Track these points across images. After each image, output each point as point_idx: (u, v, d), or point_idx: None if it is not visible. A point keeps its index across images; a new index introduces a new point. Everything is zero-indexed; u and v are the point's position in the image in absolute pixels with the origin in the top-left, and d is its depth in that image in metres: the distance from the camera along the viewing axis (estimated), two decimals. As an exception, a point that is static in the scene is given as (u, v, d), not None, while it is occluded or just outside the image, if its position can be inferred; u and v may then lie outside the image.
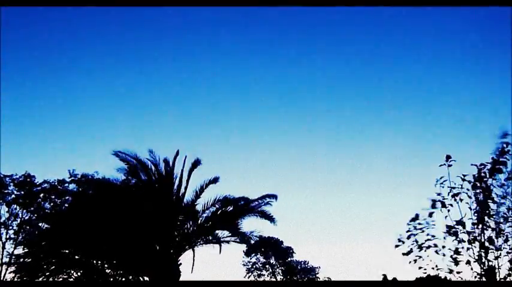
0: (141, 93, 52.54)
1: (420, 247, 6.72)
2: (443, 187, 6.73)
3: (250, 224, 19.33)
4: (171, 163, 18.24)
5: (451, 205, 6.68)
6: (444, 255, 6.61)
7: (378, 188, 56.93)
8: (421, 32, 47.55)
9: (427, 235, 6.75)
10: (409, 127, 53.29)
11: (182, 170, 18.23)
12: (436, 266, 6.59)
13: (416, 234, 6.76)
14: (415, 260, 6.69)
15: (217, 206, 18.38)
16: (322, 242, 57.23)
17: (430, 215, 6.77)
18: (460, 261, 6.48)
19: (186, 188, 18.26)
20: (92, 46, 49.00)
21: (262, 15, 46.09)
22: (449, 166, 6.73)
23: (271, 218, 18.76)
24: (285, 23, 47.83)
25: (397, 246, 6.87)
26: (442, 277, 6.80)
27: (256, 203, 18.77)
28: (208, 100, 53.73)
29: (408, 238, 6.81)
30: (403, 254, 6.78)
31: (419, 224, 6.78)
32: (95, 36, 49.37)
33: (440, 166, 6.77)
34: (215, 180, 18.38)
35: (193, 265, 17.78)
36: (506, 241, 6.38)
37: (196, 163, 18.24)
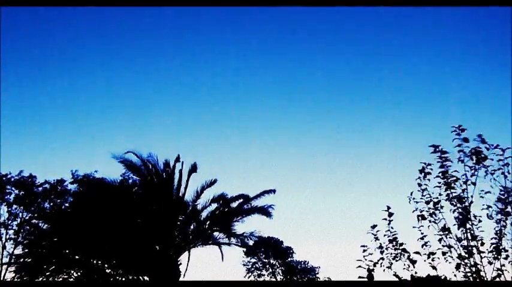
0: (141, 93, 52.60)
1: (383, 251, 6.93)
2: (416, 203, 6.89)
3: (249, 224, 19.22)
4: (171, 164, 18.21)
5: (434, 215, 6.75)
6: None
7: (378, 188, 56.94)
8: (421, 32, 47.61)
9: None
10: (409, 127, 53.35)
11: (181, 171, 18.25)
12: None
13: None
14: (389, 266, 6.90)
15: (215, 205, 18.32)
16: (322, 242, 57.28)
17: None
18: (436, 265, 6.60)
19: (185, 188, 18.27)
20: (92, 46, 49.08)
21: (262, 15, 46.16)
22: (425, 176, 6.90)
23: (268, 213, 18.59)
24: (285, 23, 47.89)
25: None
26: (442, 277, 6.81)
27: (256, 200, 18.64)
28: (208, 100, 53.77)
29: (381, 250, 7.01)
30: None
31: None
32: (95, 36, 49.45)
33: (416, 179, 6.90)
34: (214, 182, 18.30)
35: (187, 266, 17.72)
36: (482, 244, 6.43)
37: (195, 167, 18.23)
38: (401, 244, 6.88)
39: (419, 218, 6.85)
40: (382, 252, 6.98)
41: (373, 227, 7.11)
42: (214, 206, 18.43)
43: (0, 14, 28.49)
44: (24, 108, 51.48)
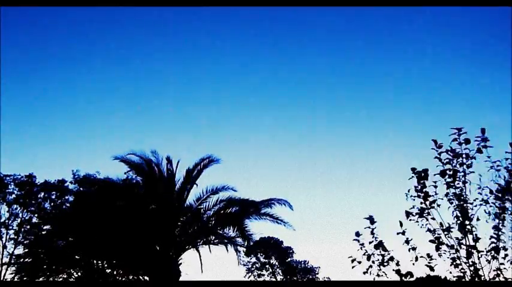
0: (146, 94, 52.52)
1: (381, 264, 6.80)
2: (414, 200, 6.80)
3: (249, 224, 18.80)
4: (174, 165, 18.01)
5: (428, 214, 6.71)
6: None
7: (378, 188, 57.01)
8: (421, 32, 47.64)
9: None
10: (409, 127, 53.42)
11: (186, 172, 18.05)
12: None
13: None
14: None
15: (220, 205, 18.01)
16: (322, 242, 57.29)
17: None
18: (434, 266, 6.55)
19: (188, 190, 18.06)
20: (93, 46, 49.01)
21: (263, 15, 46.13)
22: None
23: (283, 222, 17.72)
24: (287, 23, 47.90)
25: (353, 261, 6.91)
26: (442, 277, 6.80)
27: (263, 206, 17.91)
28: (208, 100, 53.79)
29: (368, 258, 6.89)
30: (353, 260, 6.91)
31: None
32: (97, 36, 49.43)
33: (410, 179, 6.79)
34: (221, 189, 17.83)
35: (201, 265, 17.27)
36: (476, 240, 6.39)
37: (197, 165, 18.06)
38: (385, 249, 6.76)
39: (408, 215, 6.73)
40: (368, 259, 6.86)
41: (357, 235, 6.97)
42: (216, 208, 18.10)
43: (0, 14, 28.53)
44: (26, 108, 51.53)
